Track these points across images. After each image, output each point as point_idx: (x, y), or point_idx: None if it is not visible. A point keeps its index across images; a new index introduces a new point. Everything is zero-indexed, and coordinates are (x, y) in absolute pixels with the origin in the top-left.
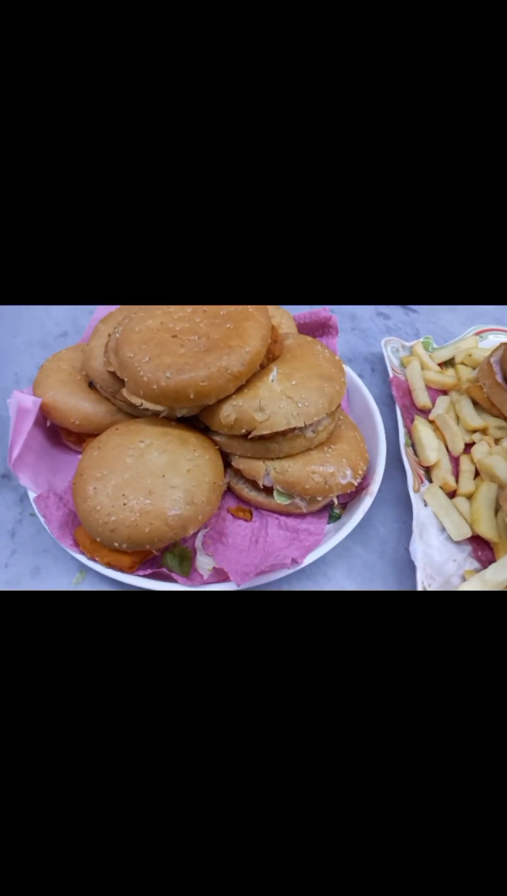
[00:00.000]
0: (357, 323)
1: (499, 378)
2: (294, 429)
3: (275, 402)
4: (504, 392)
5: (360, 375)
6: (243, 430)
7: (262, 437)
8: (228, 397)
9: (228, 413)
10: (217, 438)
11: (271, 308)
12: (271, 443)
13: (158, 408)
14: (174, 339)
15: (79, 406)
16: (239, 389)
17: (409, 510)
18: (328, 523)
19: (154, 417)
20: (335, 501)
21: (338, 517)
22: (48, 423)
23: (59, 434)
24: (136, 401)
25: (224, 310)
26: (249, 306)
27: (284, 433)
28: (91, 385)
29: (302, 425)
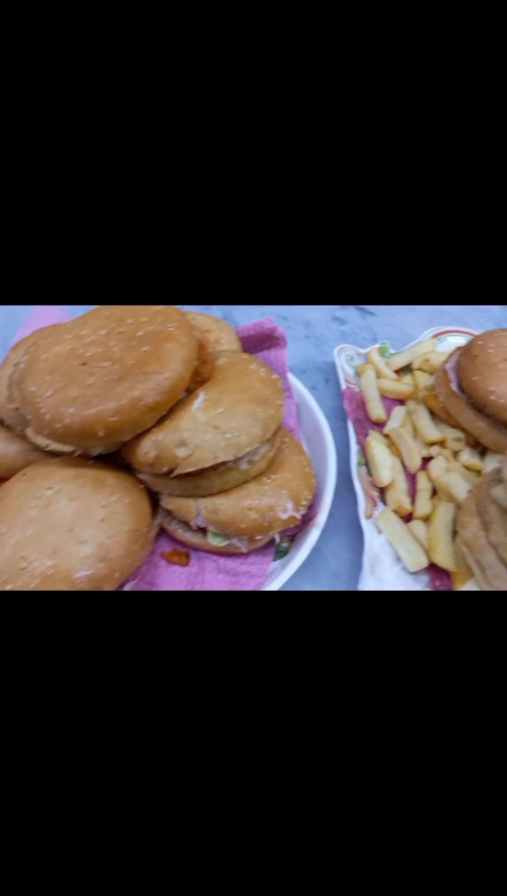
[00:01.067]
0: (311, 330)
1: (454, 386)
2: (224, 462)
3: (199, 434)
4: (460, 401)
5: (313, 388)
6: (165, 469)
7: (189, 474)
8: (147, 431)
9: (146, 450)
10: (142, 476)
11: (209, 321)
12: (200, 479)
13: (67, 448)
14: (83, 368)
15: None
16: (160, 421)
17: (362, 534)
18: (274, 560)
19: (69, 457)
20: (277, 538)
21: (285, 552)
22: None
23: None
24: (41, 442)
25: (142, 330)
26: (171, 322)
27: (214, 467)
28: (0, 422)
29: (232, 458)
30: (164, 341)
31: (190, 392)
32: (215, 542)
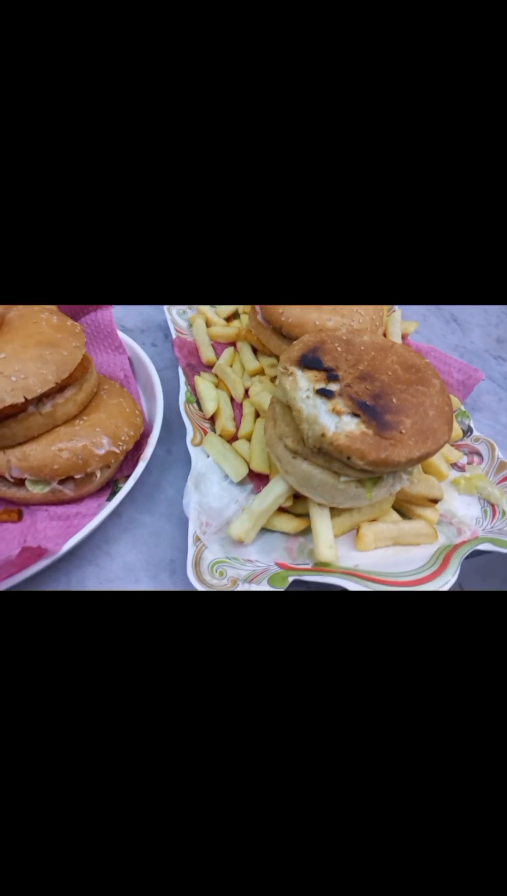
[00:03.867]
0: None
1: (260, 317)
2: (20, 407)
3: None
4: (266, 329)
5: (153, 344)
6: None
7: None
8: None
9: None
10: None
11: None
12: (3, 430)
13: None
14: None
15: None
16: None
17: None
18: (109, 500)
19: None
20: (98, 475)
21: (120, 490)
22: None
23: None
24: None
25: None
26: None
27: (12, 415)
28: None
29: (23, 400)
30: None
31: None
32: (36, 489)
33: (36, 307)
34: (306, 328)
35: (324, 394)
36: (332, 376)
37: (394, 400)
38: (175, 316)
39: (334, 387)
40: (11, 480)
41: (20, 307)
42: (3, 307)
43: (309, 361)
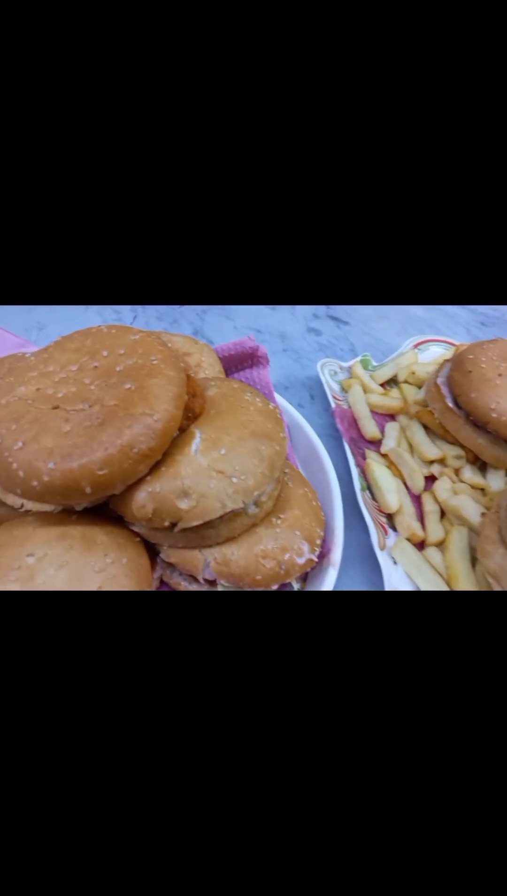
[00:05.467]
0: (288, 343)
1: (450, 402)
2: (233, 510)
3: (202, 481)
4: (458, 418)
5: (299, 405)
6: (167, 523)
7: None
8: (140, 480)
9: (142, 503)
10: (137, 529)
11: (187, 343)
12: (206, 529)
13: (47, 507)
14: (55, 412)
15: None
16: (154, 467)
17: (376, 565)
18: None
19: (48, 513)
20: (294, 585)
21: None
22: None
23: None
24: (13, 501)
25: (120, 364)
26: (153, 353)
27: (221, 516)
28: None
29: (242, 505)
30: (148, 377)
31: (182, 430)
32: None
33: (234, 383)
34: None
35: None
36: None
37: None
38: (327, 377)
39: None
40: (202, 582)
41: (217, 380)
42: (202, 378)
43: None
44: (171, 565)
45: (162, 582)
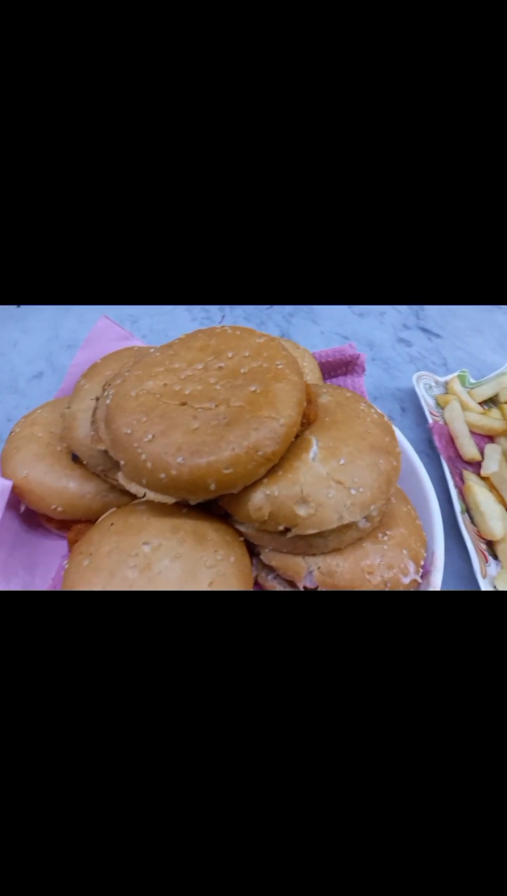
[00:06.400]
0: (377, 352)
1: None
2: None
3: (321, 490)
4: None
5: (390, 418)
6: (281, 527)
7: None
8: (256, 482)
9: (259, 505)
10: (242, 529)
11: (289, 347)
12: (315, 537)
13: (167, 499)
14: (183, 409)
15: (61, 487)
16: (270, 471)
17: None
18: None
19: (161, 504)
20: None
21: None
22: (22, 508)
23: (38, 517)
24: (136, 490)
25: (246, 366)
26: (278, 358)
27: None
28: (75, 459)
29: (358, 519)
30: (274, 380)
31: (297, 436)
32: None
33: (347, 392)
34: None
35: None
36: None
37: None
38: (422, 390)
39: None
40: (300, 588)
41: (328, 388)
42: (313, 385)
43: None
44: (269, 568)
45: (256, 583)
